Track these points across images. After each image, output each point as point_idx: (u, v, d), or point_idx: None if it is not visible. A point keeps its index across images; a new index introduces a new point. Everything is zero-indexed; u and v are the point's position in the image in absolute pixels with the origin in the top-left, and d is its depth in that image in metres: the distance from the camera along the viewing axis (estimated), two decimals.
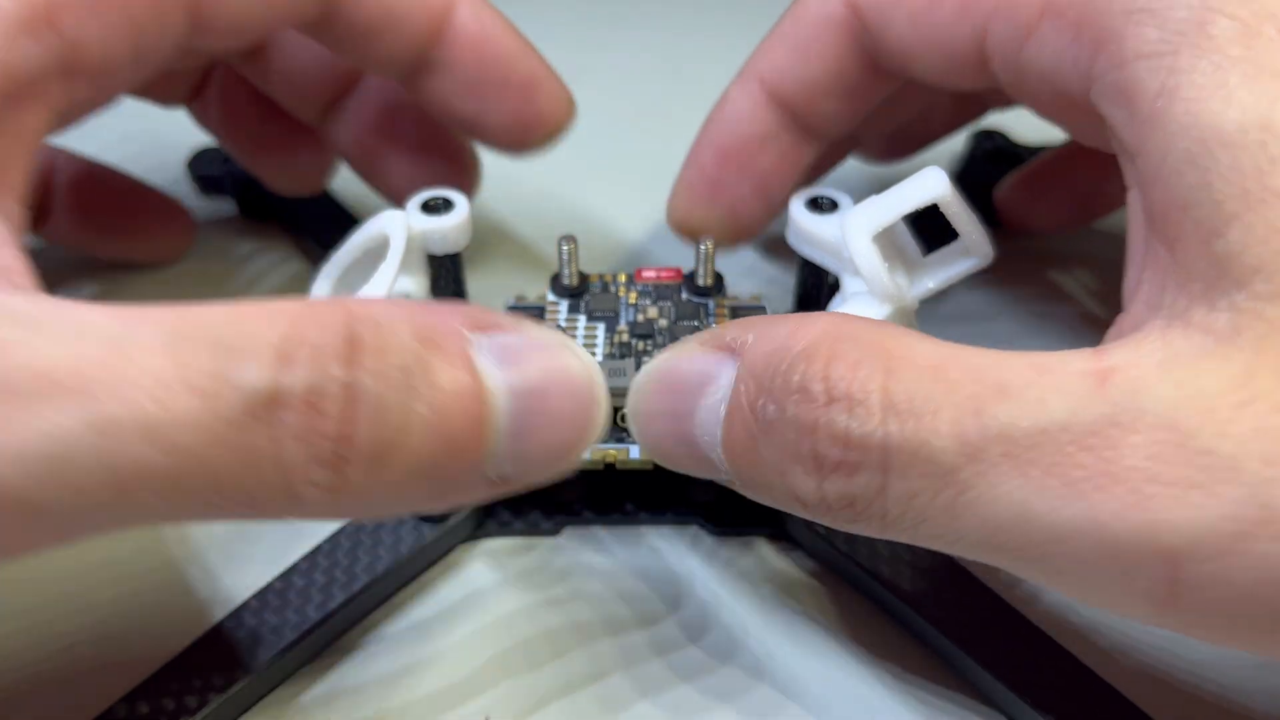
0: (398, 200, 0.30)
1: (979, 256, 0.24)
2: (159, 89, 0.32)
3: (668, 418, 0.21)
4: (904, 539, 0.19)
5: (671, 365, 0.21)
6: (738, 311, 0.28)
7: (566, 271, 0.28)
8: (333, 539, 0.25)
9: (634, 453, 0.25)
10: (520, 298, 0.29)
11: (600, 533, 0.27)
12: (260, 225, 0.37)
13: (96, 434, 0.16)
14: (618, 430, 0.25)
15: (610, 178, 0.39)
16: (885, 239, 0.24)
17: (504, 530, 0.27)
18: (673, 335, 0.26)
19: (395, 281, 0.25)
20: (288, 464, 0.17)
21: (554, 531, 0.27)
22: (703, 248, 0.27)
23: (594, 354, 0.26)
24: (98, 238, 0.35)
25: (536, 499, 0.27)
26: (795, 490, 0.19)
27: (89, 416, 0.16)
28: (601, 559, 0.26)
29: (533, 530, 0.27)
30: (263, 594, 0.24)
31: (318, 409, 0.17)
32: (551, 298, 0.28)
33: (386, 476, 0.17)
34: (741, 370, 0.20)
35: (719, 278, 0.28)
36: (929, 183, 0.23)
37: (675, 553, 0.26)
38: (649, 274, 0.28)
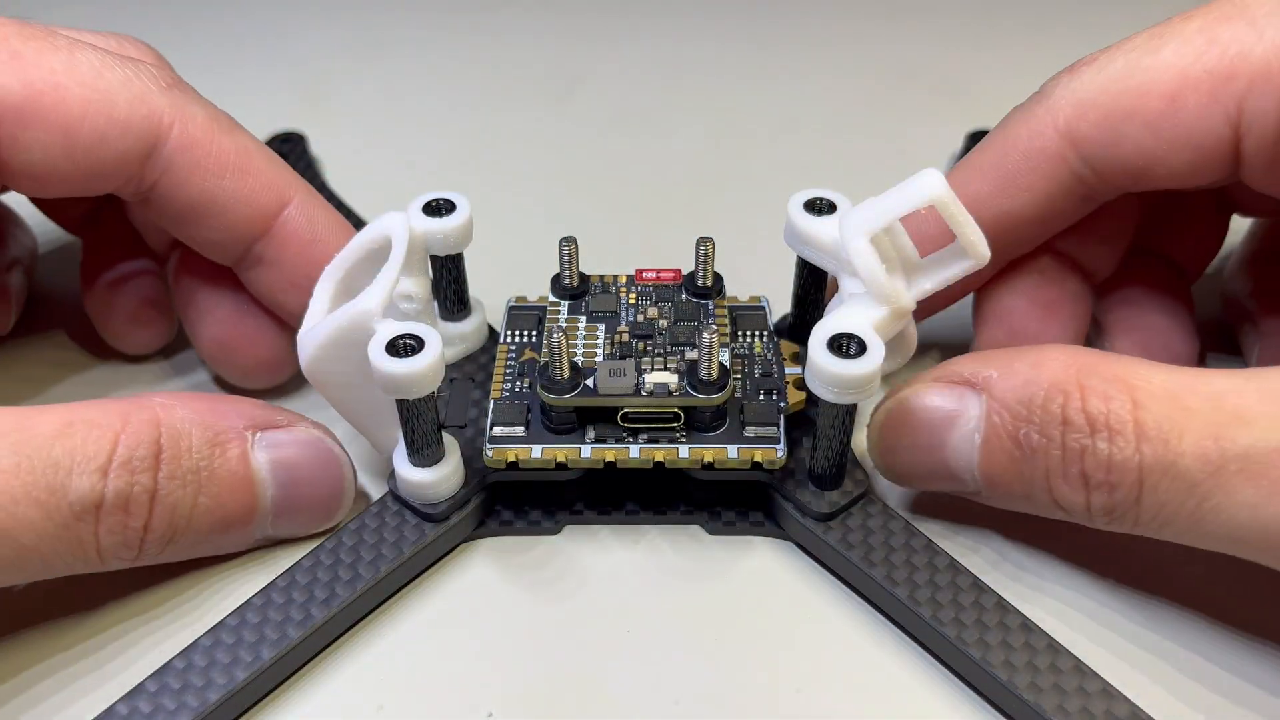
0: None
1: (975, 258, 0.25)
2: (59, 213, 0.34)
3: (919, 450, 0.25)
4: (1151, 535, 0.23)
5: (915, 404, 0.25)
6: (737, 312, 0.29)
7: (567, 272, 0.28)
8: (335, 538, 0.26)
9: (634, 452, 0.25)
10: (521, 299, 0.30)
11: (601, 532, 0.27)
12: None
13: None
14: (618, 429, 0.26)
15: (609, 180, 0.39)
16: (883, 241, 0.25)
17: (505, 529, 0.27)
18: (672, 336, 0.27)
19: (397, 283, 0.25)
20: (103, 549, 0.23)
21: (555, 530, 0.27)
22: (702, 250, 0.27)
23: (595, 354, 0.26)
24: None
25: (538, 498, 0.27)
26: (1062, 501, 0.23)
27: None
28: (602, 558, 0.27)
29: (533, 529, 0.27)
30: (266, 592, 0.24)
31: (127, 510, 0.23)
32: (552, 298, 0.28)
33: (175, 548, 0.25)
34: (992, 404, 0.24)
35: (718, 278, 0.28)
36: (926, 183, 0.24)
37: (676, 551, 0.27)
38: (649, 275, 0.28)
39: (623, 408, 0.25)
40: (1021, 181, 0.27)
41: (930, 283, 0.25)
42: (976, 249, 0.24)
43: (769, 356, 0.28)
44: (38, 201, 0.34)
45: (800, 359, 0.28)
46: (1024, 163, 0.27)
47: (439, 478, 0.26)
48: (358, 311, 0.24)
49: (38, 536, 0.22)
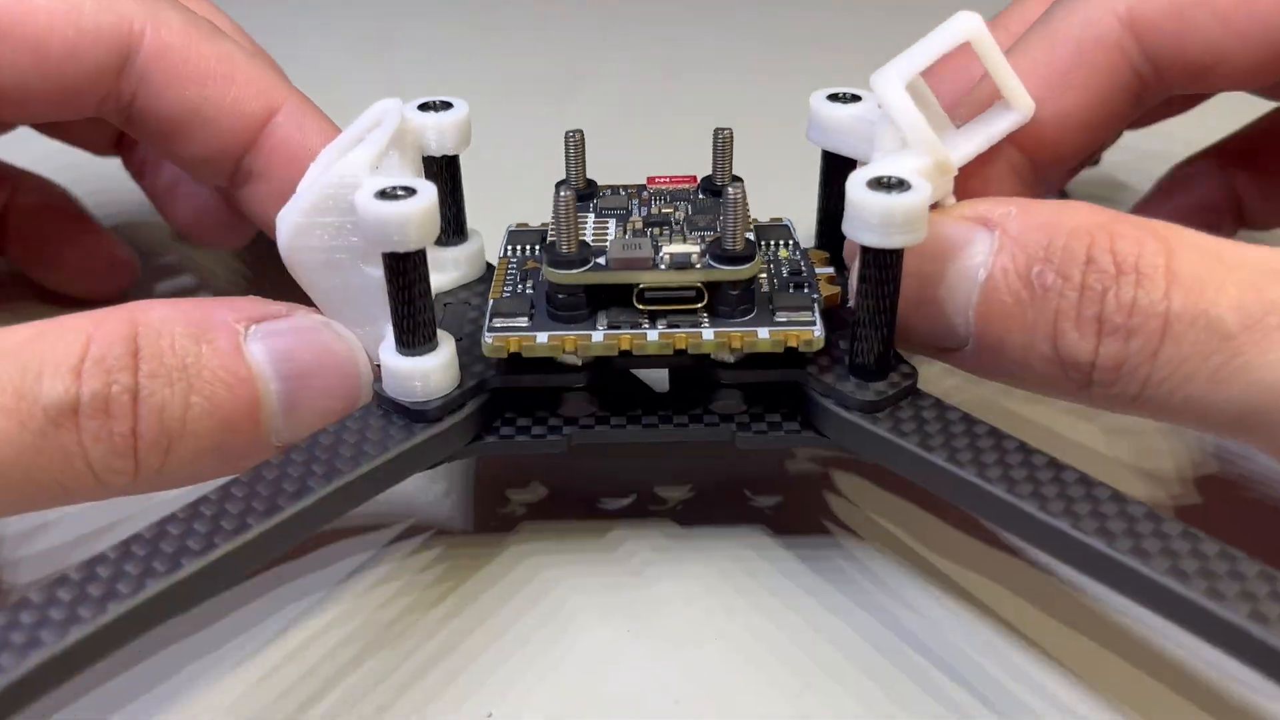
0: None
1: (1020, 110, 0.23)
2: (81, 139, 0.33)
3: (912, 278, 0.22)
4: (1149, 408, 0.21)
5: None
6: (759, 226, 0.26)
7: (574, 169, 0.26)
8: (312, 439, 0.22)
9: (652, 336, 0.22)
10: (522, 225, 0.27)
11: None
12: None
13: None
14: (634, 314, 0.23)
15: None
16: (918, 93, 0.23)
17: (505, 444, 0.24)
18: (691, 222, 0.24)
19: (384, 155, 0.23)
20: (93, 459, 0.21)
21: (561, 445, 0.24)
22: (720, 140, 0.25)
23: (605, 242, 0.24)
24: (40, 267, 0.35)
25: (542, 404, 0.24)
26: (1066, 351, 0.21)
27: None
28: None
29: (537, 444, 0.24)
30: (227, 486, 0.21)
31: (109, 413, 0.21)
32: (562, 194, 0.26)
33: (176, 459, 0.22)
34: (1005, 239, 0.22)
35: (737, 179, 0.26)
36: (960, 24, 0.22)
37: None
38: (662, 180, 0.26)
39: (638, 284, 0.23)
40: (1073, 77, 0.24)
41: (973, 144, 0.23)
42: (1018, 97, 0.23)
43: (796, 258, 0.25)
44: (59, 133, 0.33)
45: (831, 263, 0.26)
46: (1076, 55, 0.24)
47: (430, 368, 0.22)
48: (345, 165, 0.22)
49: (15, 449, 0.20)
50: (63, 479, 0.21)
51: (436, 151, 0.25)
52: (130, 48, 0.26)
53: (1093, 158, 0.26)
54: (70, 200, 0.35)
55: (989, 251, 0.22)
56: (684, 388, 0.25)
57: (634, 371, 0.25)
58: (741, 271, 0.22)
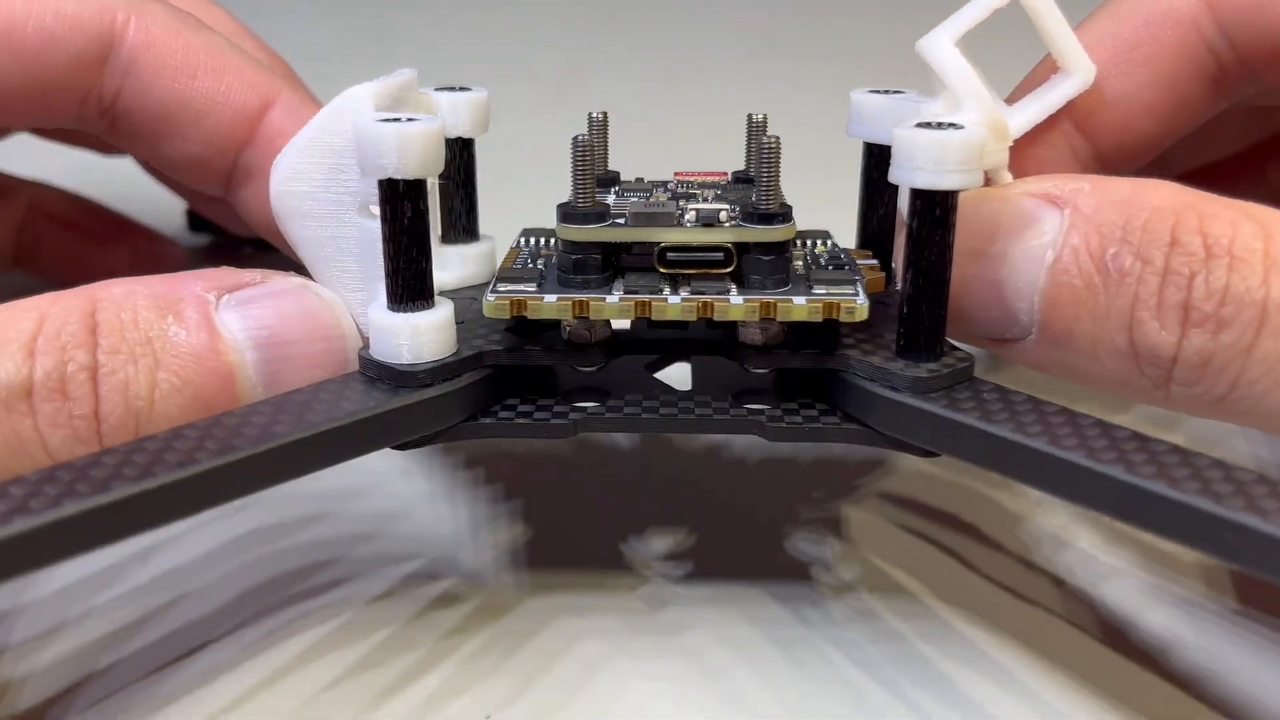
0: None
1: (1079, 73, 0.21)
2: (92, 140, 0.32)
3: (973, 256, 0.20)
4: (1237, 412, 0.19)
5: (985, 204, 0.20)
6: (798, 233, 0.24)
7: (597, 150, 0.24)
8: (283, 395, 0.20)
9: (674, 300, 0.20)
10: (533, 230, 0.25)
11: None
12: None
13: None
14: (655, 278, 0.20)
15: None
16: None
17: (503, 428, 0.21)
18: (721, 200, 0.22)
19: (391, 98, 0.21)
20: (51, 446, 0.19)
21: (569, 431, 0.21)
22: (754, 124, 0.23)
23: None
24: (84, 278, 0.33)
25: (549, 389, 0.21)
26: (1144, 344, 0.19)
27: None
28: None
29: (540, 428, 0.21)
30: (179, 429, 0.18)
31: (66, 394, 0.19)
32: None
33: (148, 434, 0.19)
34: (1077, 217, 0.19)
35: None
36: None
37: None
38: (690, 175, 0.24)
39: (660, 243, 0.20)
40: (1139, 54, 0.22)
41: (1032, 113, 0.21)
42: (1076, 59, 0.21)
43: (837, 252, 0.23)
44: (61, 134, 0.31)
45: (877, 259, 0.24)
46: (1143, 29, 0.22)
47: (422, 325, 0.20)
48: (348, 94, 0.20)
49: None
50: (18, 468, 0.19)
51: (451, 131, 0.24)
52: (113, 38, 0.24)
53: (1163, 159, 0.24)
54: (98, 207, 0.34)
55: (1058, 230, 0.20)
56: (708, 384, 0.22)
57: (655, 375, 0.23)
58: (776, 232, 0.20)
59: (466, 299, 0.24)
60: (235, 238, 0.36)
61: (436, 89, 0.24)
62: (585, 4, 0.45)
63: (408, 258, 0.20)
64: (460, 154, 0.24)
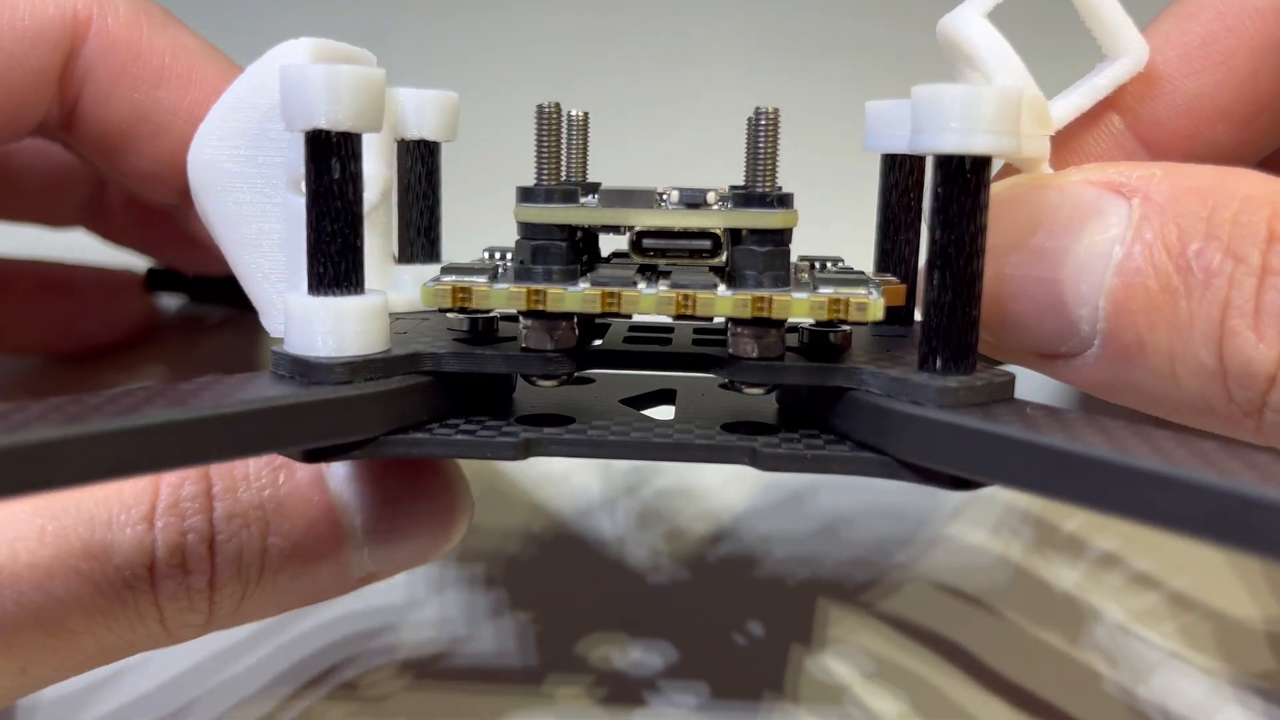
0: None
1: (1130, 54, 0.18)
2: (44, 213, 0.31)
3: (1030, 254, 0.17)
4: None
5: (1039, 191, 0.17)
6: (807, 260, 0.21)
7: (575, 161, 0.21)
8: (174, 383, 0.16)
9: (648, 291, 0.17)
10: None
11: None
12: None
13: None
14: (627, 270, 0.17)
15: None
16: None
17: (435, 445, 0.17)
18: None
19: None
20: (168, 617, 0.18)
21: (512, 452, 0.17)
22: (763, 125, 0.20)
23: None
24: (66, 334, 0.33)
25: (500, 407, 0.18)
26: (1238, 357, 0.16)
27: None
28: None
29: (484, 445, 0.17)
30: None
31: (185, 568, 0.18)
32: None
33: (251, 605, 0.19)
34: (1149, 207, 0.17)
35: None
36: None
37: None
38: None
39: (634, 226, 0.17)
40: (1212, 51, 0.19)
41: (1074, 97, 0.18)
42: (1125, 37, 0.18)
43: (849, 267, 0.20)
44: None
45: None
46: (1219, 21, 0.19)
47: (344, 311, 0.16)
48: (279, 51, 0.18)
49: (86, 616, 0.17)
50: (134, 639, 0.18)
51: (413, 133, 0.21)
52: (76, 38, 0.22)
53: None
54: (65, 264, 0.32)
55: (1127, 223, 0.16)
56: (696, 418, 0.18)
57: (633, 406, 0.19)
58: (772, 217, 0.17)
59: (417, 320, 0.21)
60: (201, 301, 0.33)
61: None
62: (578, 9, 0.44)
63: (334, 228, 0.16)
64: (423, 160, 0.22)
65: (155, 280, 0.33)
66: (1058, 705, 0.22)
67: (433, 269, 0.21)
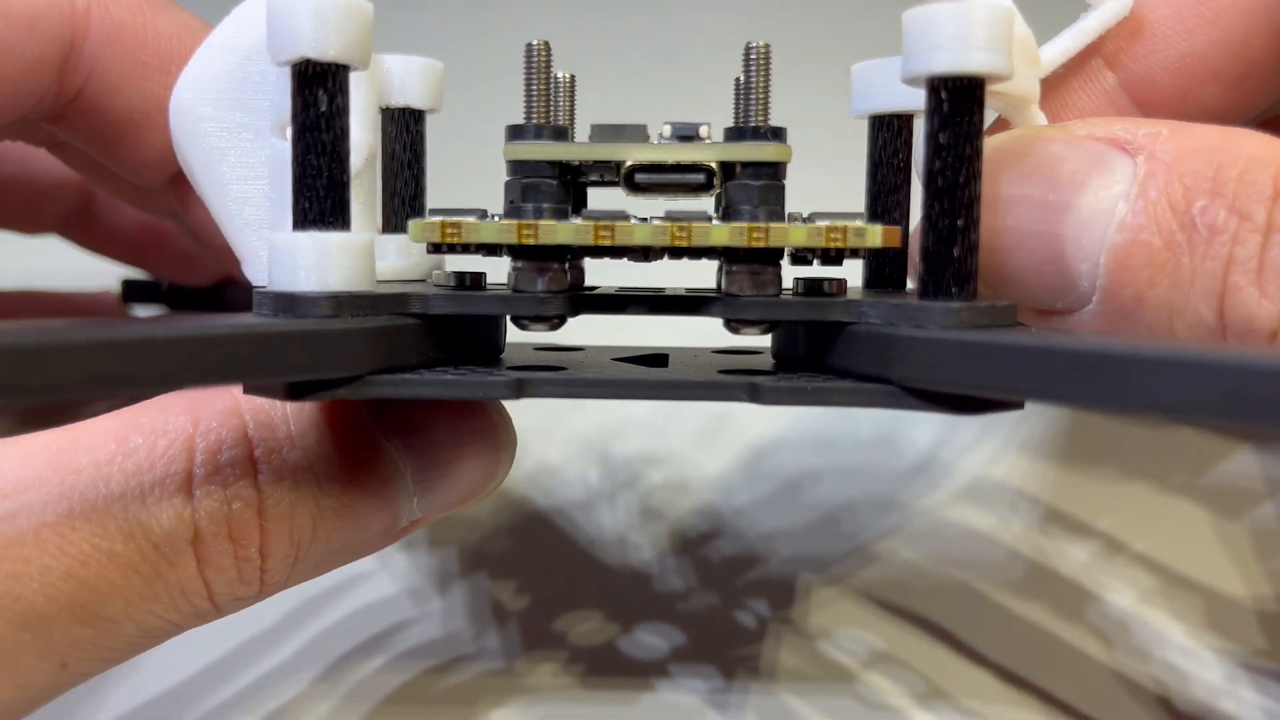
0: None
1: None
2: (22, 221, 0.30)
3: (1031, 207, 0.17)
4: None
5: (1043, 144, 0.17)
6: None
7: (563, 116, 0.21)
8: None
9: (642, 222, 0.16)
10: None
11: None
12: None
13: (30, 634, 0.16)
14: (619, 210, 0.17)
15: None
16: None
17: (423, 385, 0.16)
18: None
19: None
20: (216, 591, 0.17)
21: (505, 391, 0.16)
22: (754, 58, 0.20)
23: None
24: None
25: (477, 341, 0.17)
26: (1239, 313, 0.16)
27: (19, 615, 0.16)
28: None
29: (470, 387, 0.16)
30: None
31: (232, 536, 0.17)
32: None
33: (302, 569, 0.18)
34: (1155, 165, 0.16)
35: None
36: None
37: None
38: None
39: (626, 161, 0.17)
40: (1207, 10, 0.19)
41: (1065, 40, 0.18)
42: None
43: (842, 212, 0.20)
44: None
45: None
46: None
47: (332, 246, 0.16)
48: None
49: (125, 600, 0.16)
50: (180, 619, 0.17)
51: (398, 100, 0.21)
52: (74, 34, 0.22)
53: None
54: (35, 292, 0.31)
55: (1130, 180, 0.16)
56: (689, 366, 0.18)
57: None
58: (767, 150, 0.17)
59: (402, 286, 0.20)
60: (177, 310, 0.32)
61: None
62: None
63: (319, 163, 0.16)
64: (408, 127, 0.21)
65: (131, 292, 0.33)
66: (1063, 686, 0.21)
67: None
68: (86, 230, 0.30)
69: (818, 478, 0.27)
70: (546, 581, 0.24)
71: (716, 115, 0.18)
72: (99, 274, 0.33)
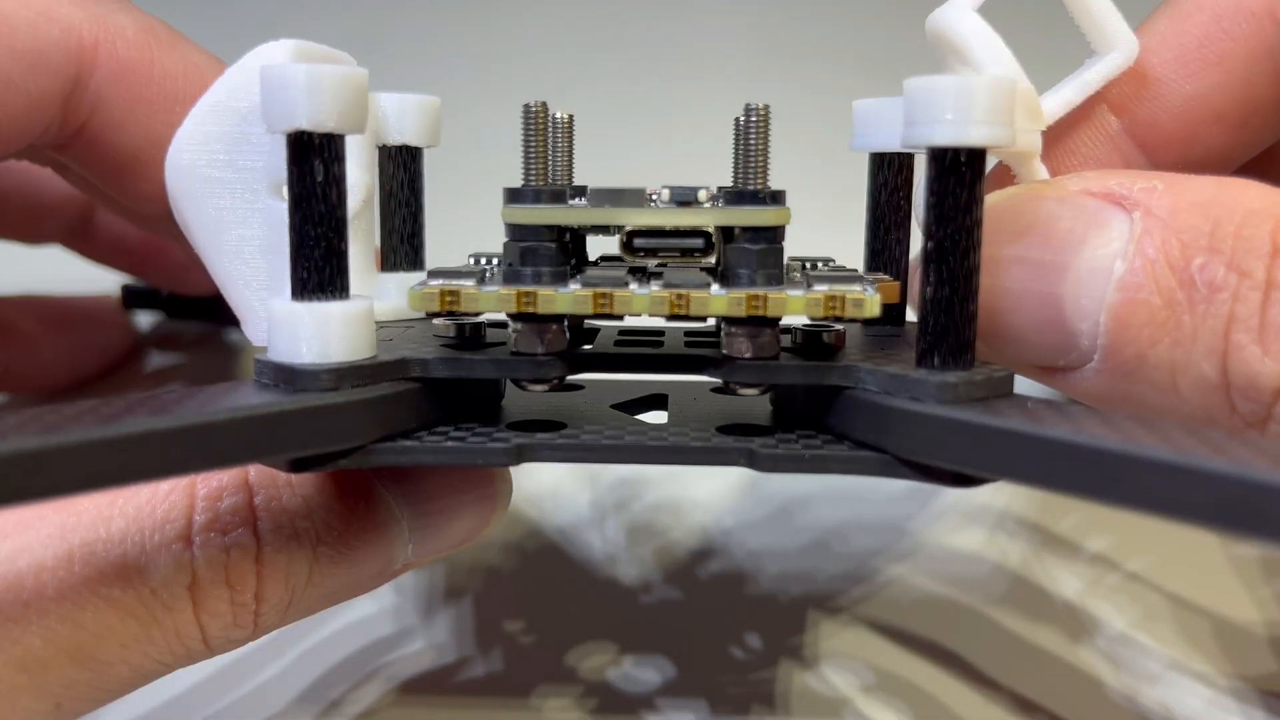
0: None
1: (1119, 49, 0.18)
2: (25, 232, 0.30)
3: (1029, 267, 0.17)
4: None
5: (1038, 202, 0.17)
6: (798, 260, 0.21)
7: (560, 164, 0.20)
8: (157, 391, 0.16)
9: (640, 292, 0.16)
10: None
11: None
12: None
13: (26, 675, 0.16)
14: (617, 271, 0.17)
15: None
16: None
17: (424, 452, 0.17)
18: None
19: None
20: (210, 635, 0.17)
21: (505, 458, 0.17)
22: (753, 121, 0.20)
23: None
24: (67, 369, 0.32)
25: (477, 397, 0.17)
26: (1242, 370, 0.16)
27: (16, 658, 0.16)
28: None
29: (474, 450, 0.17)
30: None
31: (229, 583, 0.17)
32: None
33: (295, 612, 0.18)
34: (1151, 222, 0.16)
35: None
36: None
37: None
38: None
39: (625, 225, 0.17)
40: (1207, 53, 0.19)
41: (1067, 91, 0.18)
42: (1114, 31, 0.18)
43: (841, 266, 0.19)
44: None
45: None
46: (1215, 24, 0.19)
47: (332, 317, 0.16)
48: (257, 53, 0.17)
49: (121, 643, 0.16)
50: (172, 660, 0.17)
51: (395, 138, 0.21)
52: (80, 69, 0.21)
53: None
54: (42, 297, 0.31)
55: (1128, 237, 0.16)
56: (690, 421, 0.18)
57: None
58: (765, 214, 0.17)
59: (402, 328, 0.20)
60: (177, 318, 0.33)
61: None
62: (564, 14, 0.43)
63: (317, 232, 0.16)
64: (405, 165, 0.21)
65: (131, 299, 0.33)
66: (1058, 713, 0.22)
67: (417, 276, 0.21)
68: (88, 241, 0.30)
69: (807, 502, 0.27)
70: (539, 607, 0.25)
71: (715, 170, 0.18)
72: (100, 280, 0.33)
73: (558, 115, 0.20)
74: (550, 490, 0.28)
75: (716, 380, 0.18)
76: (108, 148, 0.22)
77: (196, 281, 0.29)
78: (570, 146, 0.20)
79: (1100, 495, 0.14)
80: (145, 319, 0.34)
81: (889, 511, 0.27)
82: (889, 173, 0.21)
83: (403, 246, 0.21)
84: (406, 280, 0.21)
